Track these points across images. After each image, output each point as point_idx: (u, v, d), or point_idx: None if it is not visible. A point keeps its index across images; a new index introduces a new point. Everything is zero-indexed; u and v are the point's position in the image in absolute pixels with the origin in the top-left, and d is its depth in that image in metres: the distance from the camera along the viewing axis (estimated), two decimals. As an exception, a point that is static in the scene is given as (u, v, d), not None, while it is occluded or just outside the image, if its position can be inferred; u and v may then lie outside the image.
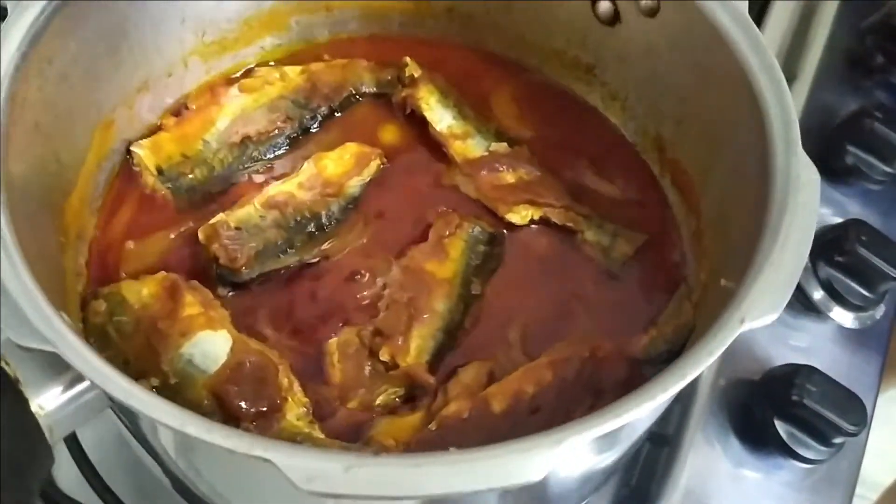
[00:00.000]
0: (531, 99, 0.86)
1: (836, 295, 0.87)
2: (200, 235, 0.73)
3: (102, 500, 0.75)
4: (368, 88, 0.85)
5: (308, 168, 0.78)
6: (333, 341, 0.70)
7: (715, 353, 0.53)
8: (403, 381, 0.68)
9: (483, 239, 0.76)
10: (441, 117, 0.82)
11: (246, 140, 0.79)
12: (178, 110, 0.81)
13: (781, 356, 0.84)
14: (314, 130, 0.83)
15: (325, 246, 0.76)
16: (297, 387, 0.66)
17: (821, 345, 0.87)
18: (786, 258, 0.57)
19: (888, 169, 0.94)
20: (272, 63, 0.86)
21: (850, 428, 0.77)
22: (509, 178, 0.79)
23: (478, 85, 0.87)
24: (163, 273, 0.70)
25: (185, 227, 0.76)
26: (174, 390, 0.64)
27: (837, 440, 0.79)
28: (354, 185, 0.78)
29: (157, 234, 0.76)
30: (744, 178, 0.66)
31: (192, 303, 0.68)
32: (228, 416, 0.63)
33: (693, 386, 0.82)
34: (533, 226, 0.78)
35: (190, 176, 0.77)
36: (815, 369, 0.79)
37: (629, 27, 0.78)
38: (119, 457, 0.76)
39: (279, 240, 0.74)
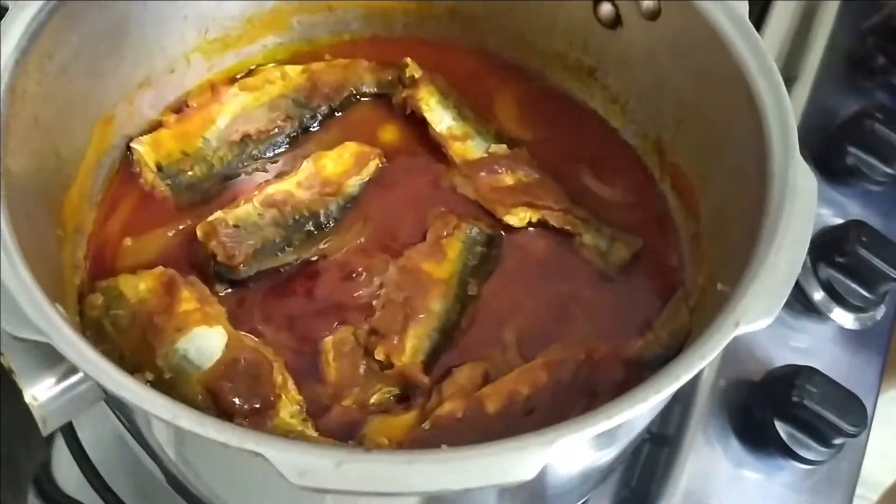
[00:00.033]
0: (533, 102, 0.86)
1: (836, 296, 0.87)
2: (199, 232, 0.73)
3: (103, 499, 0.75)
4: (369, 88, 0.85)
5: (307, 167, 0.78)
6: (329, 339, 0.70)
7: (708, 357, 0.53)
8: (398, 381, 0.68)
9: (481, 240, 0.76)
10: (441, 118, 0.82)
11: (246, 138, 0.79)
12: (179, 107, 0.81)
13: (782, 357, 0.85)
14: (314, 130, 0.83)
15: (322, 245, 0.76)
16: (291, 384, 0.66)
17: (821, 346, 0.87)
18: (781, 263, 0.57)
19: (888, 170, 0.94)
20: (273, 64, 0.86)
21: (851, 429, 0.77)
22: (508, 179, 0.79)
23: (480, 87, 0.87)
24: (160, 268, 0.70)
25: (183, 224, 0.76)
26: (168, 385, 0.64)
27: (837, 441, 0.79)
28: (353, 184, 0.78)
29: (155, 230, 0.76)
30: (742, 182, 0.66)
31: (189, 298, 0.68)
32: (222, 413, 0.63)
33: (693, 387, 0.82)
34: (531, 228, 0.78)
35: (189, 173, 0.77)
36: (816, 370, 0.79)
37: (630, 30, 0.78)
38: (119, 457, 0.76)
39: (277, 238, 0.74)
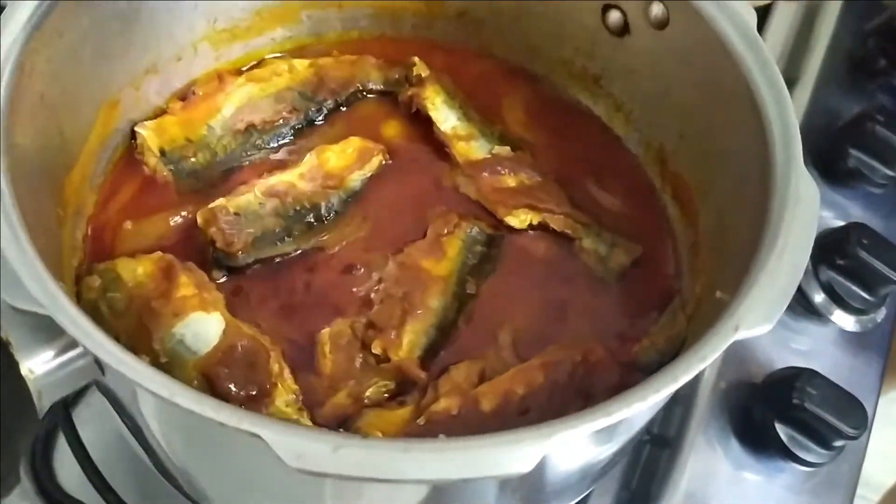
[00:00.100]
0: (540, 107, 0.87)
1: (837, 298, 0.87)
2: (199, 219, 0.73)
3: (104, 499, 0.75)
4: (375, 86, 0.85)
5: (310, 159, 0.78)
6: (326, 331, 0.69)
7: (707, 360, 0.53)
8: (394, 375, 0.68)
9: (481, 240, 0.76)
10: (446, 117, 0.82)
11: (250, 128, 0.79)
12: (185, 95, 0.81)
13: (782, 359, 0.85)
14: (319, 123, 0.83)
15: (322, 237, 0.76)
16: (287, 373, 0.66)
17: (822, 348, 0.87)
18: (783, 270, 0.57)
19: (890, 172, 0.95)
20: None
21: (851, 431, 0.77)
22: (510, 181, 0.79)
23: (488, 90, 0.87)
24: (159, 253, 0.70)
25: (185, 211, 0.75)
26: (164, 370, 0.62)
27: (838, 443, 0.79)
28: (355, 179, 0.78)
29: (156, 215, 0.76)
30: (744, 193, 0.67)
31: (187, 284, 0.68)
32: (217, 399, 0.63)
33: (694, 388, 0.83)
34: (531, 230, 0.78)
35: (192, 160, 0.77)
36: (816, 373, 0.80)
37: (637, 39, 0.79)
38: (121, 457, 0.75)
39: (277, 228, 0.74)
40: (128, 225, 0.74)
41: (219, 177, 0.78)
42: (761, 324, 0.55)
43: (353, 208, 0.78)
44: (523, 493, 0.61)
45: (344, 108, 0.84)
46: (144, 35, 0.75)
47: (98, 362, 0.53)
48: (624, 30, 0.79)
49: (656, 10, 0.75)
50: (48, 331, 0.51)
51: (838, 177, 0.96)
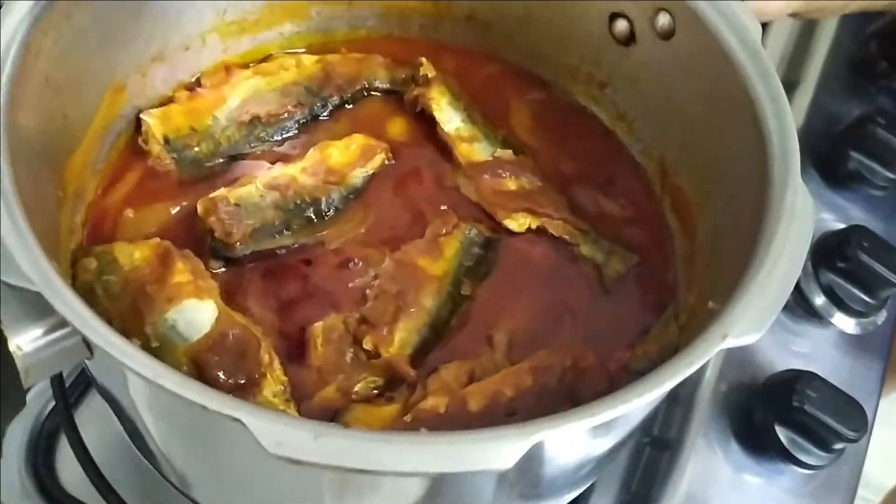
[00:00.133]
0: (546, 114, 0.87)
1: (837, 301, 0.87)
2: (199, 208, 0.73)
3: (106, 501, 0.75)
4: (382, 84, 0.86)
5: (313, 154, 0.78)
6: (318, 325, 0.69)
7: (694, 366, 0.53)
8: (383, 371, 0.68)
9: (479, 241, 0.76)
10: (450, 118, 0.82)
11: (255, 120, 0.80)
12: (191, 86, 0.82)
13: (783, 362, 0.85)
14: (323, 119, 0.83)
15: (321, 232, 0.76)
16: (277, 364, 0.66)
17: (822, 350, 0.87)
18: (774, 281, 0.57)
19: (890, 175, 0.94)
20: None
21: (851, 434, 0.77)
22: (511, 185, 0.79)
23: (496, 94, 0.87)
24: (157, 239, 0.70)
25: (186, 200, 0.76)
26: (154, 354, 0.62)
27: (838, 446, 0.79)
28: (357, 175, 0.79)
29: (156, 204, 0.76)
30: (741, 205, 0.67)
31: (183, 270, 0.68)
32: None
33: (694, 391, 0.83)
34: (529, 234, 0.78)
35: (196, 149, 0.78)
36: (816, 375, 0.80)
37: (643, 49, 0.79)
38: (123, 458, 0.75)
39: (277, 220, 0.74)
40: (129, 212, 0.75)
41: (221, 167, 0.79)
42: (750, 333, 0.55)
43: (354, 205, 0.78)
44: (520, 488, 0.60)
45: (349, 106, 0.85)
46: (153, 22, 0.76)
47: (86, 343, 0.53)
48: (630, 39, 0.79)
49: (663, 20, 0.75)
50: (39, 309, 0.52)
51: (839, 179, 0.96)
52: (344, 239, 0.76)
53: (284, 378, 0.66)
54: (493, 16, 0.87)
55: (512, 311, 0.74)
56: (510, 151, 0.82)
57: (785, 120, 0.65)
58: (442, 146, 0.82)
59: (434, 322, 0.72)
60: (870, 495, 1.26)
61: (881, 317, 0.89)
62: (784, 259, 0.58)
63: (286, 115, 0.81)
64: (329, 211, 0.77)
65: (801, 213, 0.61)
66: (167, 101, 0.80)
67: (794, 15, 0.88)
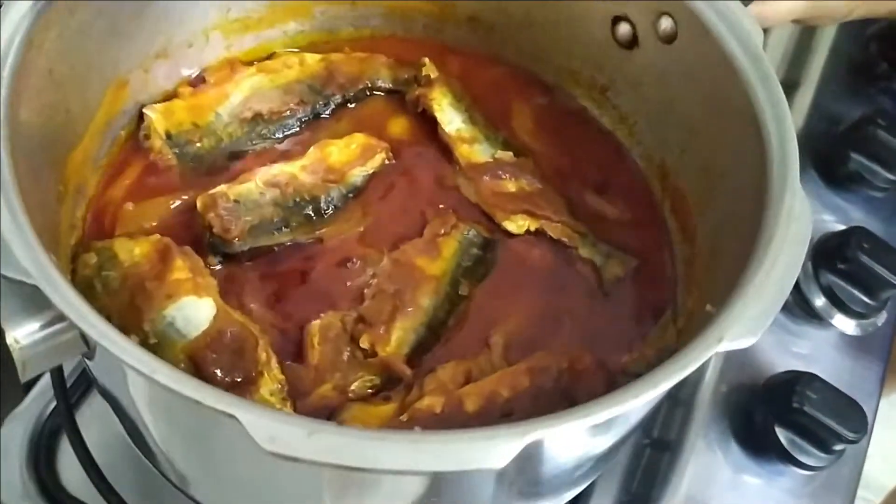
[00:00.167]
0: (548, 117, 0.87)
1: (837, 302, 0.87)
2: (198, 203, 0.73)
3: (107, 501, 0.75)
4: (384, 84, 0.86)
5: (313, 152, 0.78)
6: (316, 323, 0.69)
7: (688, 369, 0.53)
8: (380, 370, 0.68)
9: (477, 242, 0.77)
10: (451, 119, 0.82)
11: (257, 117, 0.80)
12: (194, 82, 0.82)
13: (783, 363, 0.85)
14: (325, 117, 0.83)
15: (320, 230, 0.76)
16: (274, 363, 0.66)
17: (822, 352, 0.87)
18: (770, 286, 0.57)
19: (891, 176, 0.94)
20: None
21: (851, 435, 0.77)
22: (510, 186, 0.80)
23: (499, 96, 0.88)
24: (156, 235, 0.70)
25: (186, 196, 0.76)
26: (152, 350, 0.63)
27: (838, 447, 0.79)
28: (357, 174, 0.79)
29: (156, 199, 0.76)
30: (740, 210, 0.67)
31: (182, 267, 0.68)
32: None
33: (694, 392, 0.83)
34: (528, 236, 0.78)
35: (197, 145, 0.78)
36: (816, 376, 0.80)
37: (645, 53, 0.79)
38: (124, 459, 0.76)
39: (275, 217, 0.74)
40: (129, 206, 0.75)
41: (222, 164, 0.79)
42: (746, 336, 0.55)
43: (353, 204, 0.78)
44: (520, 486, 0.60)
45: (352, 105, 0.85)
46: (157, 18, 0.76)
47: (84, 337, 0.53)
48: (632, 42, 0.80)
49: (665, 24, 0.76)
50: (37, 302, 0.52)
51: (839, 180, 0.96)
52: (342, 237, 0.76)
53: (281, 377, 0.66)
54: (496, 18, 0.87)
55: (509, 312, 0.74)
56: (510, 153, 0.82)
57: (784, 124, 0.65)
58: (443, 147, 0.82)
59: (431, 322, 0.72)
60: (870, 496, 1.26)
61: (881, 318, 0.89)
62: (781, 262, 0.58)
63: (288, 112, 0.82)
64: (328, 209, 0.77)
65: (799, 216, 0.61)
66: (170, 97, 0.80)
67: (796, 21, 0.88)
